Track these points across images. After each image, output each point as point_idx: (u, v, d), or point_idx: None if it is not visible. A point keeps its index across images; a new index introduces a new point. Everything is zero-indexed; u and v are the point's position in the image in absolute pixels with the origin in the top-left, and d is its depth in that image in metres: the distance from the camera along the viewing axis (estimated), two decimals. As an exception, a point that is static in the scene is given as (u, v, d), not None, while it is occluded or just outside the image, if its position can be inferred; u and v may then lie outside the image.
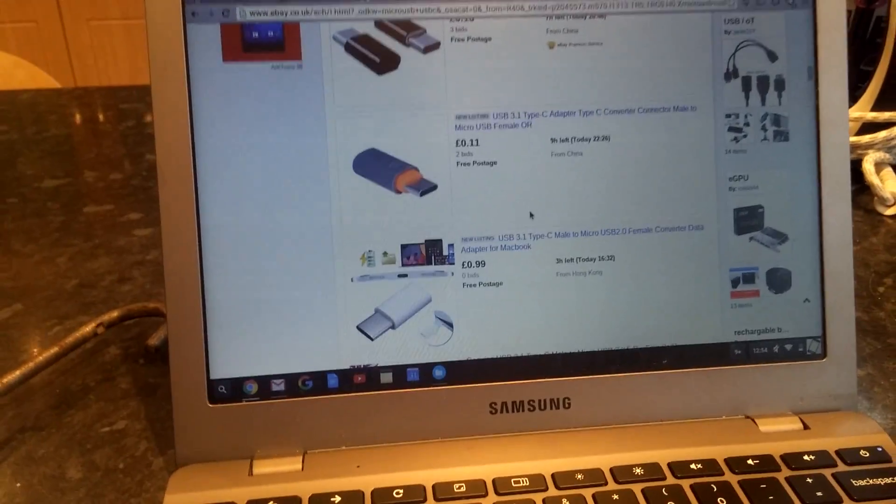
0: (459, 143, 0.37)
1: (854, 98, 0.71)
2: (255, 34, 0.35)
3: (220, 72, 0.35)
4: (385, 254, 0.36)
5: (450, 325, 0.37)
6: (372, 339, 0.36)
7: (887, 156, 0.67)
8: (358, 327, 0.36)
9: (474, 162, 0.37)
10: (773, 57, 0.38)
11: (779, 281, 0.39)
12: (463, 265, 0.37)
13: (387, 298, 0.36)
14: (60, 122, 0.93)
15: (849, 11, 0.71)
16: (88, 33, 2.41)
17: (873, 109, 0.70)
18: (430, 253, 0.37)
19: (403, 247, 0.37)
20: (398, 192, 0.36)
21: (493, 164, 0.37)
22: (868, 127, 0.69)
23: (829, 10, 0.38)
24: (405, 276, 0.37)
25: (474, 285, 0.37)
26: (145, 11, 0.34)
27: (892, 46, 0.68)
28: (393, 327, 0.36)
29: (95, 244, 0.61)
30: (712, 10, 0.38)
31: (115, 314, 0.48)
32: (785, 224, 0.39)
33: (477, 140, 0.37)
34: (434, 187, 0.37)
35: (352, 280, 0.36)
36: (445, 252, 0.37)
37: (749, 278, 0.39)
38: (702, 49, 0.38)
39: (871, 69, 0.70)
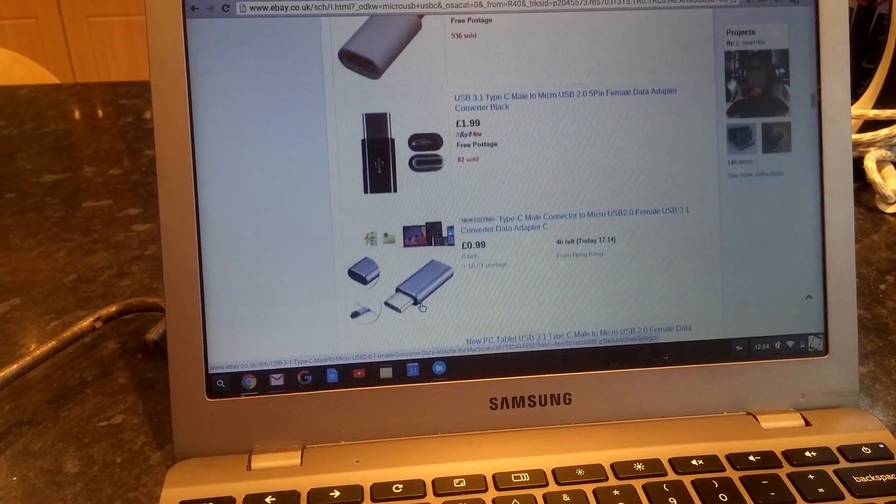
0: (459, 123, 0.37)
1: (856, 96, 0.71)
2: (255, 29, 0.35)
3: (220, 67, 0.35)
4: (386, 235, 0.36)
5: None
6: (365, 284, 0.36)
7: (889, 153, 0.67)
8: (350, 271, 0.36)
9: (474, 143, 0.37)
10: (775, 53, 0.38)
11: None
12: (462, 246, 0.37)
13: (406, 277, 0.36)
14: (59, 117, 0.93)
15: (850, 9, 0.71)
16: (87, 29, 2.41)
17: (875, 107, 0.70)
18: (430, 234, 0.37)
19: (405, 228, 0.36)
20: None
21: (493, 145, 0.37)
22: (870, 124, 0.69)
23: (831, 7, 0.38)
24: None
25: (474, 266, 0.37)
26: (145, 6, 0.34)
27: (893, 44, 0.68)
28: (415, 303, 0.36)
29: (94, 239, 0.61)
30: (714, 7, 0.38)
31: (113, 309, 0.47)
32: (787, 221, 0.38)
33: (477, 121, 0.37)
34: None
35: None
36: (445, 233, 0.37)
37: (751, 274, 0.38)
38: (704, 45, 0.38)
39: (873, 67, 0.70)
